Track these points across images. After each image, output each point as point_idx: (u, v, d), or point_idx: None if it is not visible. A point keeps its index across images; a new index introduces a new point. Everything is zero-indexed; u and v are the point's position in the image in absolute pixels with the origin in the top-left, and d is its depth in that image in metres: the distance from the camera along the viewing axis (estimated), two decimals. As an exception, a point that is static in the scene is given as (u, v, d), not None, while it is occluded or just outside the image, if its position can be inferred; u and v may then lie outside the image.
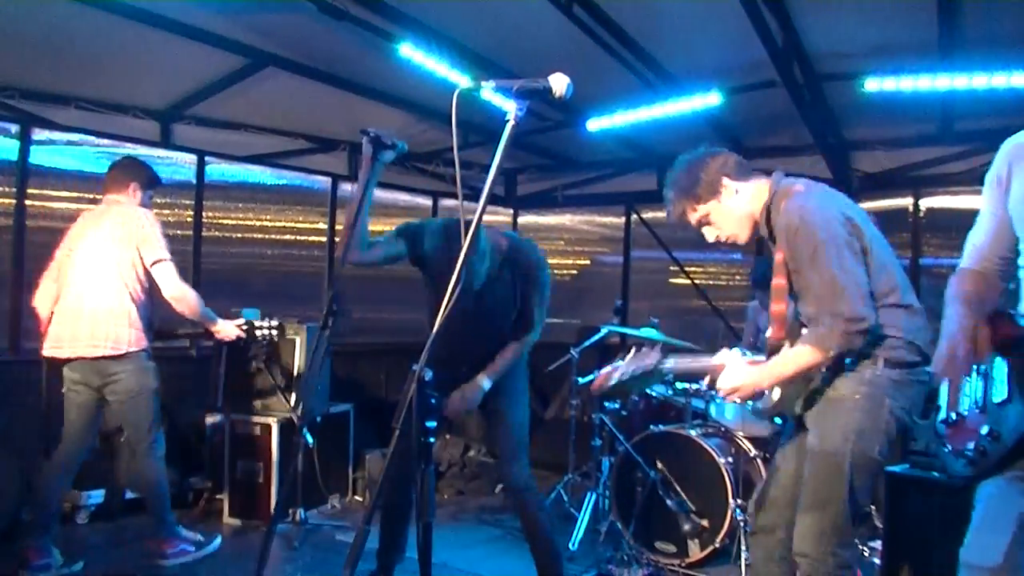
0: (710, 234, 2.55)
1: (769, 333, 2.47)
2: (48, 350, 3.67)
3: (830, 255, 2.21)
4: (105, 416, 3.84)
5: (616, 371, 2.34)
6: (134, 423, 3.74)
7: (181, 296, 3.71)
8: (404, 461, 2.87)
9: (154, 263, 3.67)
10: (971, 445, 1.84)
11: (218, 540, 4.04)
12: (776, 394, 2.43)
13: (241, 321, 4.03)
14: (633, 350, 2.35)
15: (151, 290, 3.76)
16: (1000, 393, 1.79)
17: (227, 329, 3.95)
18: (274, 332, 4.11)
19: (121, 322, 3.62)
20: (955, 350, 1.88)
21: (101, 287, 3.63)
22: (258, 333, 4.09)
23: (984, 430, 1.81)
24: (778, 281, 2.44)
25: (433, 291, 3.31)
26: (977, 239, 2.01)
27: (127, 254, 3.65)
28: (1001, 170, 1.90)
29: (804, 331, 2.36)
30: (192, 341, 4.83)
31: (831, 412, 2.33)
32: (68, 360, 3.64)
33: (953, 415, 1.93)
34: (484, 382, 3.17)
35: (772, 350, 2.43)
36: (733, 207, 2.49)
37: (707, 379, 2.45)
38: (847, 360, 2.29)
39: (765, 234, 2.51)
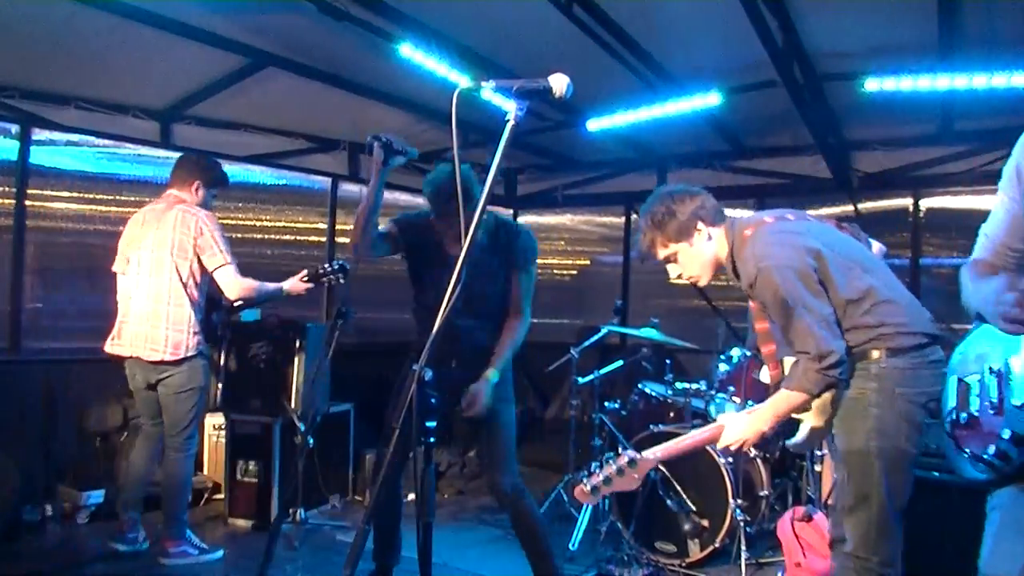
0: (673, 271, 2.62)
1: (767, 375, 2.56)
2: (110, 347, 3.84)
3: (788, 300, 2.28)
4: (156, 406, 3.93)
5: (587, 483, 2.36)
6: (174, 417, 3.83)
7: (245, 297, 3.86)
8: (396, 461, 2.87)
9: (215, 269, 3.79)
10: (991, 450, 1.74)
11: (221, 552, 4.02)
12: (805, 430, 2.49)
13: (303, 274, 4.04)
14: (613, 464, 2.36)
15: (211, 289, 3.90)
16: (1020, 395, 1.69)
17: (297, 287, 4.00)
18: (339, 274, 4.05)
19: (181, 328, 3.75)
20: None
21: (163, 292, 3.74)
22: (323, 279, 4.09)
23: (1006, 434, 1.70)
24: (760, 325, 2.53)
25: (416, 283, 3.32)
26: (990, 230, 1.93)
27: (187, 260, 3.77)
28: (1021, 162, 1.82)
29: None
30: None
31: (849, 414, 2.37)
32: (128, 358, 3.80)
33: (964, 415, 1.86)
34: (492, 376, 3.15)
35: (775, 388, 2.48)
36: (702, 251, 2.56)
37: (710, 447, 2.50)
38: (855, 364, 2.33)
39: (734, 277, 2.57)
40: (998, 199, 1.89)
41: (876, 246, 2.77)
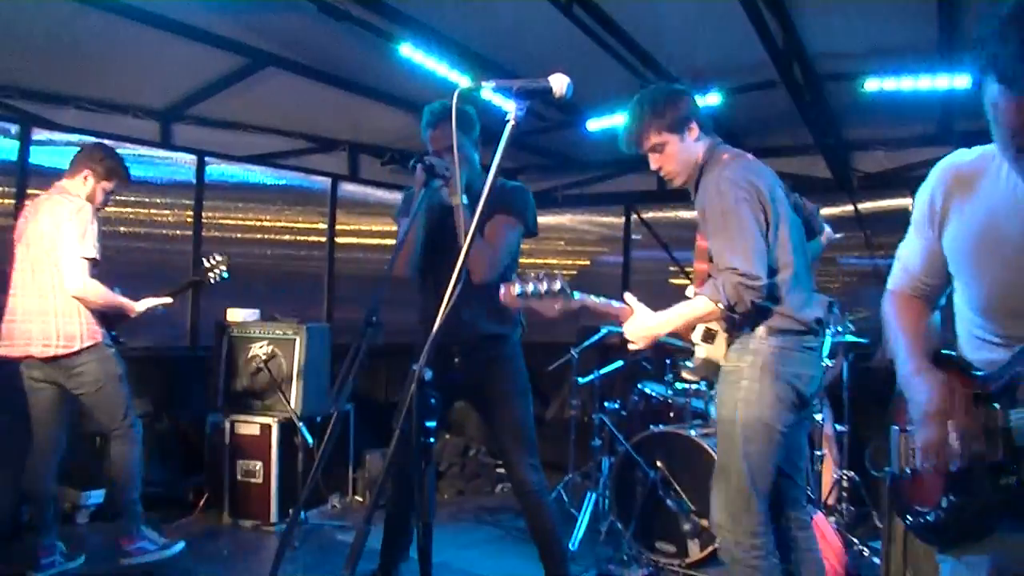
0: (654, 162, 2.62)
1: (692, 291, 2.58)
2: (3, 350, 3.62)
3: (734, 219, 2.36)
4: (82, 411, 3.83)
5: (515, 285, 2.33)
6: (107, 411, 3.73)
7: (83, 293, 3.57)
8: (406, 461, 2.87)
9: (63, 256, 3.53)
10: (931, 517, 1.64)
11: (182, 544, 3.95)
12: (701, 353, 2.59)
13: (164, 300, 3.89)
14: (535, 272, 2.37)
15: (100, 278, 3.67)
16: (955, 460, 1.56)
17: (149, 304, 3.83)
18: (220, 270, 3.96)
19: (71, 319, 3.57)
20: (940, 438, 1.58)
21: (45, 283, 3.57)
22: (210, 276, 3.97)
23: (944, 502, 1.60)
24: (701, 243, 2.59)
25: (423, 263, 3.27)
26: (908, 262, 1.81)
27: (63, 249, 3.54)
28: (936, 198, 1.66)
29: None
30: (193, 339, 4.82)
31: (725, 384, 2.49)
32: (22, 359, 3.60)
33: (908, 470, 1.73)
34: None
35: None
36: (688, 148, 2.58)
37: (616, 322, 2.54)
38: (738, 332, 2.45)
39: (692, 189, 2.62)
40: (914, 229, 1.77)
41: (827, 232, 2.87)
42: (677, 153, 2.57)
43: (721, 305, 2.32)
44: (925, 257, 1.75)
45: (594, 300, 2.47)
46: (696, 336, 2.60)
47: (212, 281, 3.99)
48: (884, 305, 1.86)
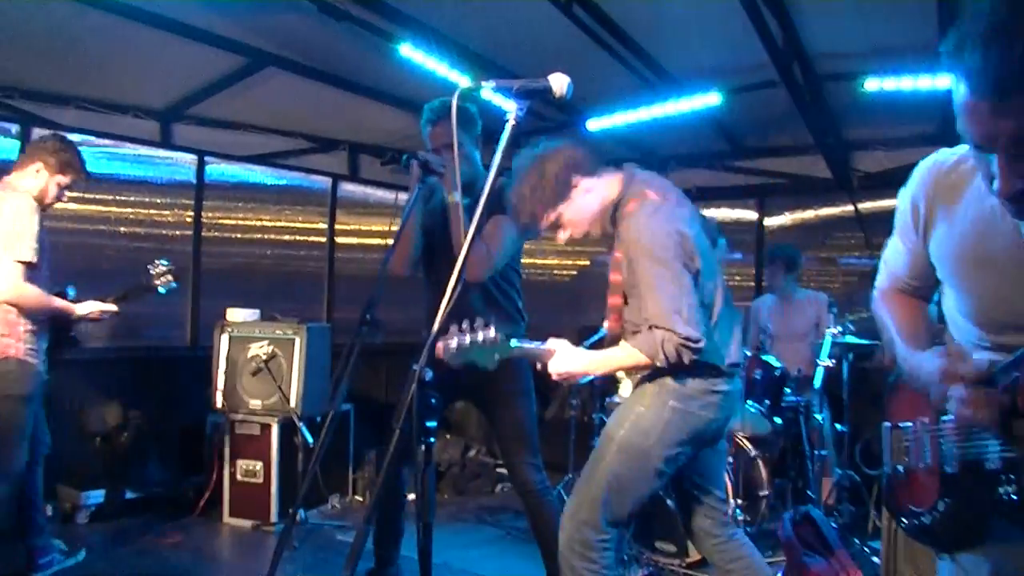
0: (563, 236, 2.51)
1: (606, 324, 2.53)
2: None
3: (667, 275, 2.27)
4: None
5: (453, 339, 2.27)
6: None
7: (15, 299, 3.24)
8: (398, 460, 2.87)
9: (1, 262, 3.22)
10: (927, 519, 1.61)
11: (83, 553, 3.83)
12: (626, 390, 2.59)
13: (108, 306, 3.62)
14: (466, 322, 2.30)
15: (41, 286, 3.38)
16: (952, 464, 1.54)
17: (91, 308, 3.54)
18: (168, 279, 3.71)
19: None
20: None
21: None
22: (158, 283, 3.72)
23: (940, 505, 1.58)
24: (615, 277, 2.47)
25: (426, 262, 3.30)
26: (893, 265, 1.76)
27: None
28: (919, 201, 1.61)
29: (636, 334, 2.38)
30: (193, 339, 4.79)
31: (625, 403, 2.48)
32: None
33: (900, 468, 1.71)
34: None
35: (611, 340, 2.50)
36: (586, 205, 2.45)
37: (539, 364, 2.47)
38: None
39: (608, 229, 2.50)
40: (898, 234, 1.71)
41: (722, 248, 2.85)
42: (577, 216, 2.46)
43: (659, 362, 2.27)
44: (910, 261, 1.70)
45: (527, 346, 2.45)
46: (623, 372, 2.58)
47: (161, 291, 3.72)
48: (874, 303, 1.82)
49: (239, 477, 4.63)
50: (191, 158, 5.44)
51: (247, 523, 4.57)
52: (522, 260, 3.38)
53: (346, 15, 3.70)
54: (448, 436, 5.77)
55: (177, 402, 5.21)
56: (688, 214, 2.43)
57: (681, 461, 2.42)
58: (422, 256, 3.26)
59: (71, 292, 3.62)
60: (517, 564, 4.04)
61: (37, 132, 4.68)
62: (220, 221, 5.73)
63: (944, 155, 1.63)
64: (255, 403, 4.69)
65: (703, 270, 2.36)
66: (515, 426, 3.19)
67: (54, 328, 3.51)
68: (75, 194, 4.89)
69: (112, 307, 3.65)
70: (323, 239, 6.35)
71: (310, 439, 4.40)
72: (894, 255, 1.76)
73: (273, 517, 4.55)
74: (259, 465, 4.59)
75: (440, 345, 2.24)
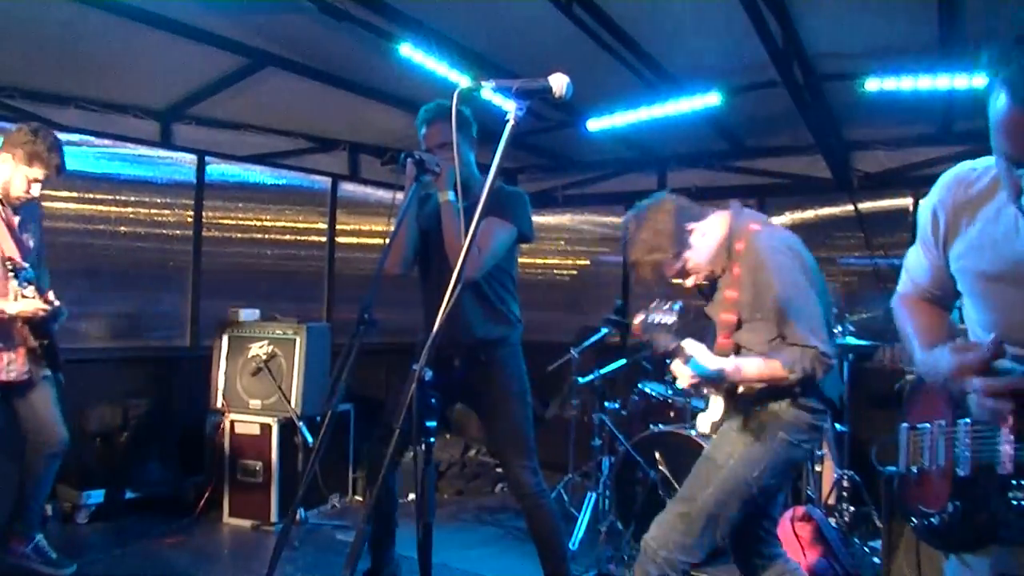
0: (690, 282, 2.57)
1: (718, 340, 2.51)
2: None
3: (799, 295, 2.32)
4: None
5: (643, 313, 2.33)
6: None
7: None
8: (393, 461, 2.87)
9: None
10: (936, 520, 1.63)
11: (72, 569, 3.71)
12: (718, 406, 2.55)
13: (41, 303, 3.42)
14: (657, 301, 2.35)
15: None
16: (964, 467, 1.56)
17: (23, 307, 3.34)
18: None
19: None
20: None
21: None
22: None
23: (950, 507, 1.59)
24: (728, 317, 2.47)
25: (422, 267, 3.32)
26: (914, 273, 1.80)
27: None
28: (939, 213, 1.63)
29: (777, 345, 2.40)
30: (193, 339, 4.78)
31: (730, 432, 2.48)
32: None
33: (914, 469, 1.73)
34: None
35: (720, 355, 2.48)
36: (705, 247, 2.51)
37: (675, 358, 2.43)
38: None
39: (725, 264, 2.51)
40: (920, 244, 1.74)
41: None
42: (699, 260, 2.51)
43: (794, 376, 2.30)
44: (932, 272, 1.73)
45: (688, 344, 2.42)
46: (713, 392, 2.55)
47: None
48: (894, 306, 1.85)
49: (239, 477, 4.63)
50: (191, 158, 5.44)
51: (247, 523, 4.57)
52: (523, 260, 3.37)
53: (346, 15, 3.70)
54: (448, 436, 5.78)
55: (177, 402, 5.21)
56: (794, 237, 2.50)
57: (774, 492, 2.47)
58: (418, 257, 3.26)
59: (27, 275, 3.32)
60: (517, 564, 4.04)
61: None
62: (220, 221, 5.72)
63: (965, 168, 1.62)
64: (255, 403, 4.70)
65: (819, 289, 2.41)
66: (510, 429, 3.17)
67: (36, 329, 3.45)
68: (75, 194, 4.94)
69: (43, 305, 3.40)
70: (323, 239, 6.35)
71: (310, 439, 4.39)
72: (916, 265, 1.78)
73: (273, 517, 4.55)
74: (259, 465, 4.59)
75: (637, 321, 2.35)
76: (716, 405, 2.55)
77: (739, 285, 2.45)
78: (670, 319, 2.32)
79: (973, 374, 1.44)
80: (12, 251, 3.37)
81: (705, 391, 2.55)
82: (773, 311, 2.35)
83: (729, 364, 2.39)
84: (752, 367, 2.37)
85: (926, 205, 1.67)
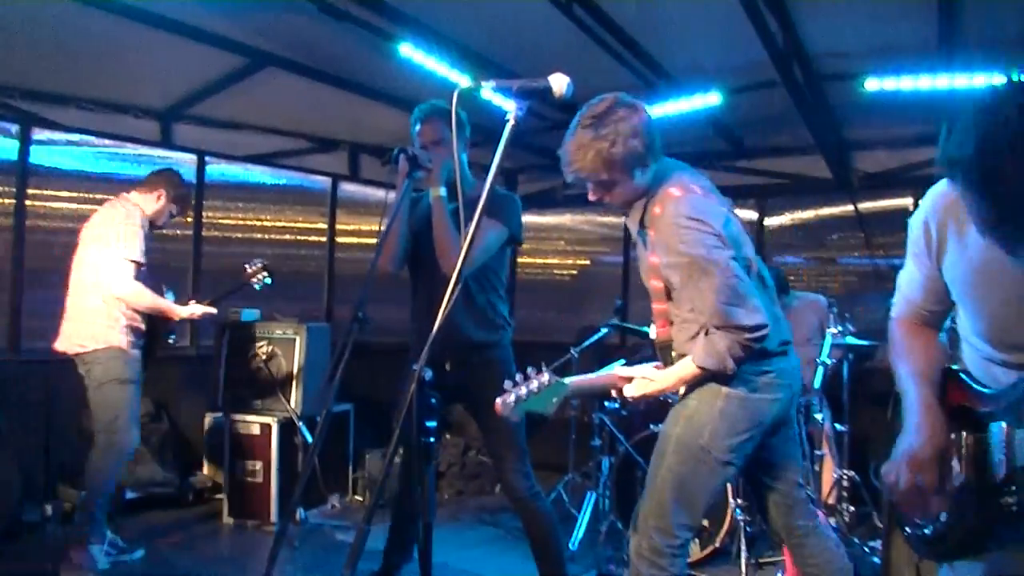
0: (594, 195, 2.48)
1: (655, 331, 2.49)
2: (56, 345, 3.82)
3: (717, 267, 2.19)
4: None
5: (510, 394, 2.29)
6: (98, 412, 3.73)
7: (126, 295, 3.70)
8: (411, 461, 2.85)
9: (110, 259, 3.68)
10: (928, 530, 1.65)
11: (141, 552, 3.94)
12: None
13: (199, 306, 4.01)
14: (519, 375, 2.32)
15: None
16: (957, 476, 1.59)
17: (193, 310, 3.97)
18: (262, 275, 4.06)
19: (93, 320, 3.70)
20: (908, 472, 1.61)
21: (84, 286, 3.74)
22: (253, 281, 4.08)
23: (943, 516, 1.61)
24: (656, 284, 2.41)
25: (413, 270, 3.29)
26: (907, 291, 1.81)
27: (104, 252, 3.70)
28: (932, 227, 1.65)
29: (693, 339, 2.33)
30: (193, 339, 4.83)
31: (679, 401, 2.42)
32: (69, 355, 3.78)
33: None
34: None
35: (661, 346, 2.46)
36: (632, 191, 2.41)
37: (613, 391, 2.47)
38: None
39: (634, 228, 2.45)
40: (912, 259, 1.75)
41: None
42: (624, 194, 2.44)
43: (729, 370, 2.21)
44: (926, 286, 1.74)
45: (585, 378, 2.44)
46: None
47: (256, 287, 4.05)
48: (889, 332, 1.86)
49: (239, 477, 4.63)
50: (191, 158, 5.44)
51: (247, 523, 4.57)
52: (523, 260, 3.35)
53: (346, 15, 3.70)
54: (448, 436, 5.77)
55: (177, 402, 5.21)
56: (717, 200, 2.38)
57: (748, 449, 2.33)
58: (409, 256, 3.23)
59: (170, 295, 3.99)
60: (517, 564, 4.03)
61: (37, 132, 4.70)
62: (220, 221, 5.73)
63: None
64: (255, 403, 4.69)
65: (739, 243, 2.30)
66: (502, 433, 3.14)
67: (149, 328, 3.89)
68: (75, 194, 4.94)
69: (212, 309, 4.04)
70: (323, 239, 6.35)
71: (310, 438, 4.39)
72: (908, 282, 1.80)
73: (273, 517, 4.55)
74: (259, 465, 4.59)
75: (498, 403, 2.29)
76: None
77: (658, 272, 2.39)
78: (539, 383, 2.31)
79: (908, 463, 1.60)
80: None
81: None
82: (688, 291, 2.28)
83: (661, 381, 2.38)
84: (684, 375, 2.32)
85: (917, 218, 1.70)
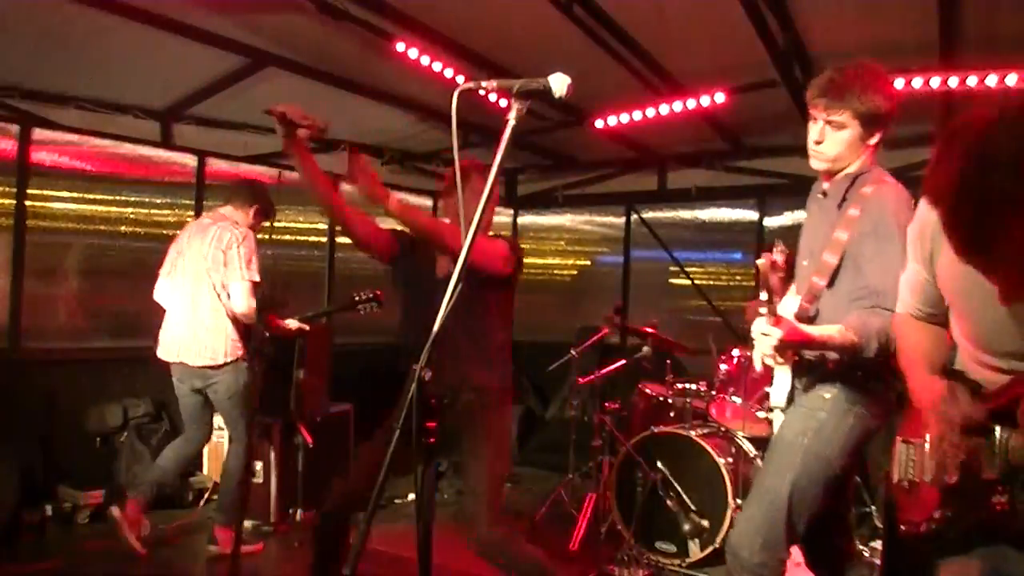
0: (818, 134, 2.54)
1: (800, 304, 2.34)
2: (159, 353, 4.07)
3: (901, 257, 2.07)
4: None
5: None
6: (231, 420, 4.06)
7: (247, 315, 3.96)
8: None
9: (231, 282, 3.95)
10: (923, 528, 1.68)
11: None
12: (787, 383, 2.39)
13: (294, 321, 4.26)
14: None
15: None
16: (951, 476, 1.60)
17: (298, 324, 4.26)
18: (372, 305, 4.12)
19: (219, 336, 3.96)
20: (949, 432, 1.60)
21: (202, 302, 3.96)
22: (360, 308, 4.15)
23: (937, 515, 1.64)
24: (830, 259, 2.31)
25: (405, 284, 3.11)
26: (905, 292, 1.85)
27: (220, 273, 3.95)
28: (925, 231, 1.69)
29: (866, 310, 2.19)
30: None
31: (800, 407, 2.34)
32: (175, 364, 4.02)
33: (906, 483, 1.75)
34: None
35: (800, 319, 2.29)
36: (861, 145, 2.47)
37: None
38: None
39: (838, 198, 2.43)
40: (911, 263, 1.77)
41: None
42: (850, 145, 2.50)
43: (869, 352, 2.10)
44: (919, 289, 1.79)
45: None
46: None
47: (362, 313, 4.13)
48: (894, 327, 1.92)
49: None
50: (191, 158, 5.44)
51: (247, 523, 4.56)
52: (522, 272, 3.12)
53: (346, 15, 3.70)
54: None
55: (177, 402, 5.20)
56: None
57: (850, 472, 2.32)
58: (401, 282, 3.08)
59: None
60: (517, 564, 4.02)
61: (37, 132, 4.70)
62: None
63: None
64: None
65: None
66: (477, 484, 3.00)
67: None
68: (75, 194, 4.94)
69: (305, 326, 4.28)
70: (323, 239, 6.35)
71: (309, 439, 4.40)
72: (904, 281, 1.85)
73: (273, 517, 4.55)
74: (259, 465, 4.59)
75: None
76: (782, 378, 2.38)
77: (839, 248, 2.28)
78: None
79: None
80: None
81: (777, 360, 2.23)
82: (874, 264, 2.19)
83: (817, 331, 2.18)
84: (823, 335, 2.16)
85: (914, 227, 1.74)
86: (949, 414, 1.58)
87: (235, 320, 3.99)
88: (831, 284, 2.30)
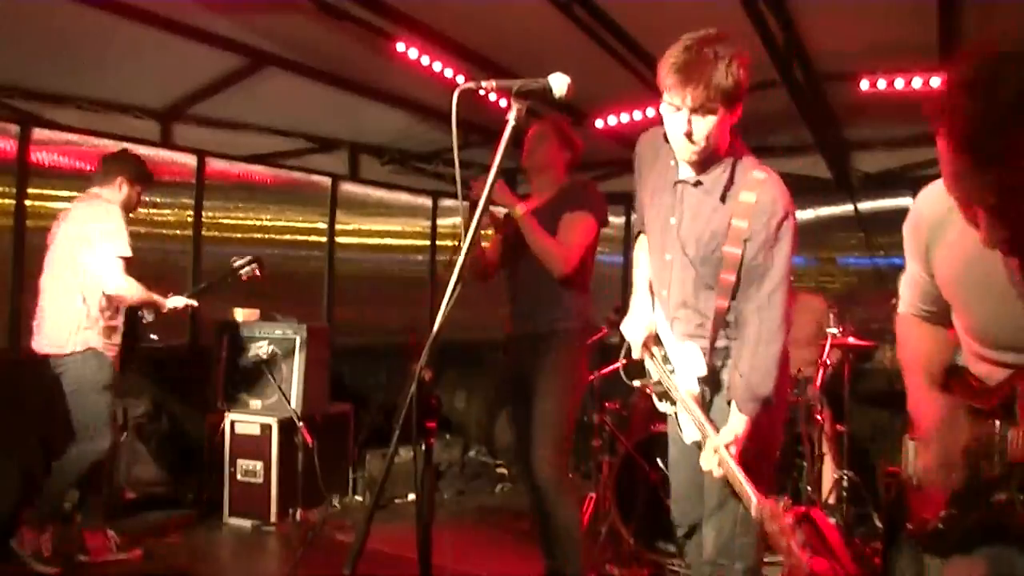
0: (685, 124, 2.26)
1: (717, 305, 2.22)
2: (33, 345, 3.87)
3: (786, 266, 2.14)
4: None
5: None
6: (77, 417, 3.75)
7: (123, 291, 3.75)
8: None
9: (101, 260, 3.69)
10: (930, 527, 1.67)
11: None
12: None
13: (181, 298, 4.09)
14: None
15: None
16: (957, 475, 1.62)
17: (176, 303, 4.05)
18: (252, 266, 4.10)
19: (72, 322, 3.70)
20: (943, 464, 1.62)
21: (59, 286, 3.75)
22: (243, 273, 4.15)
23: (943, 513, 1.63)
24: (732, 251, 2.14)
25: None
26: (905, 289, 1.87)
27: (86, 252, 3.70)
28: (922, 230, 1.71)
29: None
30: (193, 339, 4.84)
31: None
32: (41, 356, 3.79)
33: (915, 480, 1.75)
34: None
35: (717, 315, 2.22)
36: (724, 134, 2.27)
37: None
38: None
39: (720, 187, 2.24)
40: (909, 261, 1.79)
41: None
42: (721, 133, 2.30)
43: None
44: (918, 288, 1.80)
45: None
46: None
47: (244, 278, 4.08)
48: (896, 326, 1.92)
49: (239, 477, 4.63)
50: (191, 158, 5.44)
51: (247, 523, 4.57)
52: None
53: (345, 14, 3.70)
54: (448, 436, 5.77)
55: (177, 402, 5.21)
56: None
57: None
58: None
59: None
60: (517, 564, 4.03)
61: (37, 132, 4.69)
62: (220, 221, 5.72)
63: (941, 184, 1.65)
64: (255, 403, 4.69)
65: None
66: (540, 416, 3.13)
67: (128, 329, 3.93)
68: (74, 194, 4.89)
69: (193, 301, 4.10)
70: (323, 239, 6.35)
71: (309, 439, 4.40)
72: (904, 280, 1.87)
73: (273, 517, 4.55)
74: (259, 465, 4.59)
75: None
76: (686, 419, 2.34)
77: (739, 241, 2.14)
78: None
79: None
80: None
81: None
82: (766, 263, 2.10)
83: (733, 434, 2.15)
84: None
85: (909, 222, 1.76)
86: (947, 444, 1.59)
87: (106, 308, 3.75)
88: (738, 276, 2.16)
